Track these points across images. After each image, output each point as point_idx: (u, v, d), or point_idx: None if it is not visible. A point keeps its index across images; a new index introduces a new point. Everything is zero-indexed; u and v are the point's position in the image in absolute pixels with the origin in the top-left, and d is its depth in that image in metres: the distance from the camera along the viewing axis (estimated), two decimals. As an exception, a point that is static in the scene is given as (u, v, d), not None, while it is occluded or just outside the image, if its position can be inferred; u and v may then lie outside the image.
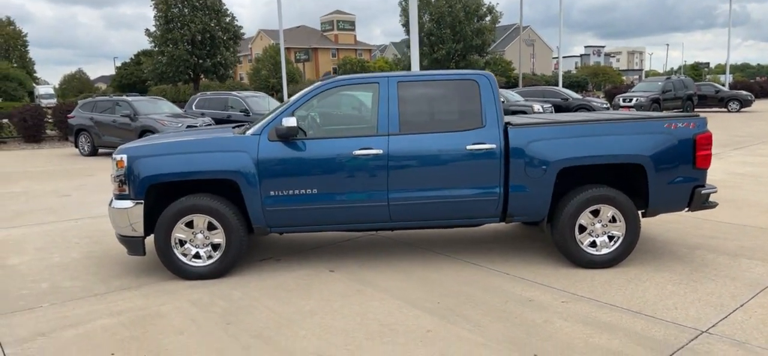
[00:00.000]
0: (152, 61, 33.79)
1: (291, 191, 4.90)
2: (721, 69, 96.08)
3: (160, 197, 5.00)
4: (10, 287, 4.87)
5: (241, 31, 35.08)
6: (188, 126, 14.78)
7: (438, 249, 5.72)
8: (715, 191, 5.16)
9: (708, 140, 5.04)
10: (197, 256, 4.98)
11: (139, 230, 4.90)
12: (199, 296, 4.55)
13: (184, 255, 4.96)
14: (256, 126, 5.10)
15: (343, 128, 5.21)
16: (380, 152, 4.88)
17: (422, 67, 34.49)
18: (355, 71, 60.48)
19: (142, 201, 4.84)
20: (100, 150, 16.26)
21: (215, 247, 4.99)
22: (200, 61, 31.87)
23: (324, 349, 3.58)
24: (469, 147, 4.91)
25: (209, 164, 4.84)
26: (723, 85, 35.26)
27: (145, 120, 14.94)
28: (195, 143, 4.99)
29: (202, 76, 33.59)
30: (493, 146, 4.91)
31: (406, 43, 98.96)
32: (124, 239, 5.00)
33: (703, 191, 5.07)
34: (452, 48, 32.88)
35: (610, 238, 5.08)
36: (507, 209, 5.04)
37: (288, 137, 4.84)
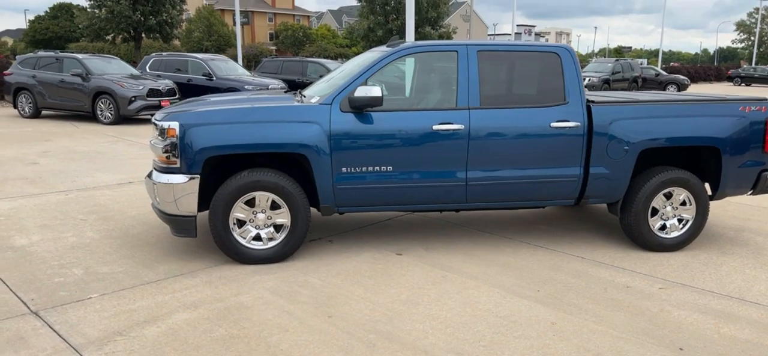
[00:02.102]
0: (87, 15, 30.92)
1: (365, 168, 4.45)
2: (637, 54, 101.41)
3: (210, 171, 4.41)
4: (37, 273, 4.14)
5: (188, -12, 32.78)
6: (150, 89, 13.65)
7: (494, 230, 5.45)
8: (779, 176, 5.19)
9: (776, 124, 5.04)
10: (257, 238, 4.44)
11: (192, 209, 4.30)
12: (274, 284, 4.05)
13: (243, 237, 4.40)
14: (322, 94, 4.58)
15: (420, 99, 4.78)
16: (461, 127, 4.51)
17: (376, 38, 33.87)
18: (298, 38, 58.79)
19: (198, 176, 4.23)
20: (44, 112, 14.72)
21: (277, 228, 4.46)
22: (143, 18, 29.47)
23: (458, 346, 3.23)
24: (553, 125, 4.64)
25: (277, 136, 4.29)
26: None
27: (100, 81, 13.60)
28: (259, 111, 4.40)
29: (143, 35, 31.16)
30: (577, 124, 4.66)
31: (345, 12, 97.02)
32: (172, 219, 4.37)
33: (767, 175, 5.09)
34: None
35: (680, 221, 5.00)
36: (584, 191, 4.83)
37: (365, 108, 4.37)
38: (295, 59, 19.63)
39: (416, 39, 36.51)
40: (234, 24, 61.30)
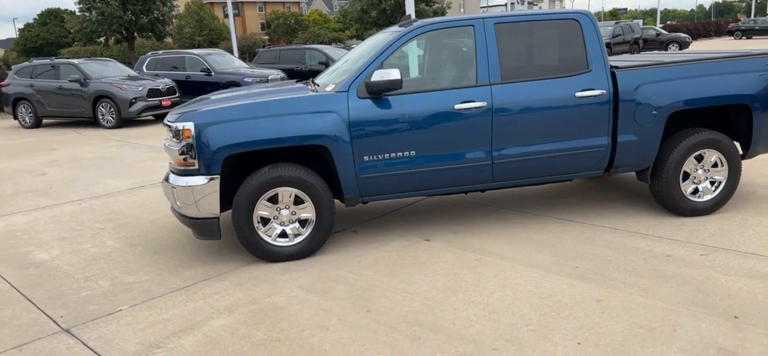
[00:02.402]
0: (78, 19, 30.45)
1: (388, 155, 4.32)
2: (632, 14, 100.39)
3: (228, 170, 4.28)
4: (62, 288, 4.03)
5: (178, -17, 32.28)
6: (149, 90, 13.47)
7: (520, 207, 5.33)
8: (810, 129, 5.04)
9: (807, 78, 4.87)
10: (283, 235, 4.32)
11: (215, 210, 4.17)
12: (306, 281, 3.93)
13: (268, 235, 4.29)
14: (336, 81, 4.43)
15: (438, 78, 4.63)
16: (484, 104, 4.36)
17: (370, 20, 33.50)
18: (290, 26, 58.27)
19: (218, 176, 4.10)
20: (45, 121, 14.57)
21: (302, 223, 4.34)
22: (135, 17, 29.03)
23: (506, 332, 3.12)
24: (578, 94, 4.49)
25: (296, 129, 4.15)
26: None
27: (99, 84, 13.42)
28: (275, 104, 4.26)
29: (136, 35, 30.75)
30: (603, 91, 4.52)
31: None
32: (194, 222, 4.26)
33: (799, 130, 4.94)
34: (401, -2, 32.01)
35: (712, 183, 4.87)
36: (613, 161, 4.70)
37: (383, 92, 4.23)
38: (292, 48, 19.40)
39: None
40: (225, 16, 60.77)
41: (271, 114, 4.16)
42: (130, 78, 14.28)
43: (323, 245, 4.42)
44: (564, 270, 3.89)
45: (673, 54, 5.93)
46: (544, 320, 3.23)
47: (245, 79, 15.03)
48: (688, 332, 3.03)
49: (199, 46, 44.91)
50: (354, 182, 4.32)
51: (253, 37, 53.37)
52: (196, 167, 4.11)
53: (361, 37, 52.37)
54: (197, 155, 4.08)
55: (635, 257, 4.06)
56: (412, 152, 4.34)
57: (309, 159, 4.41)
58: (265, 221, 4.27)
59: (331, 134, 4.17)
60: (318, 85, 4.72)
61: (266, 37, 60.90)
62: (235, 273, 4.15)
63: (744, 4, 74.36)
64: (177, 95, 14.16)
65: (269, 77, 15.31)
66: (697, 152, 4.75)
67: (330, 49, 18.28)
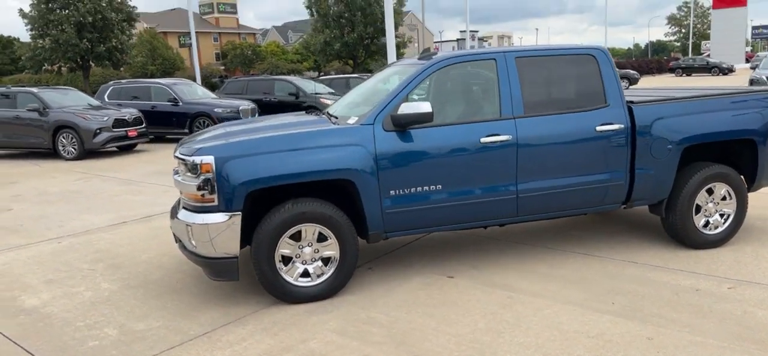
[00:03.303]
0: (30, 47, 29.05)
1: (414, 189, 4.18)
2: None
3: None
4: (65, 338, 3.65)
5: (136, 11, 31.38)
6: (115, 120, 12.90)
7: (530, 240, 5.27)
8: (808, 163, 5.22)
9: (807, 114, 5.06)
10: (305, 274, 4.08)
11: (234, 249, 3.91)
12: (337, 324, 3.70)
13: (290, 275, 4.04)
14: (358, 113, 4.29)
15: (462, 112, 4.54)
16: (509, 138, 4.30)
17: (334, 51, 33.56)
18: (247, 56, 57.71)
19: (240, 213, 3.85)
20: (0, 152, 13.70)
21: (325, 261, 4.12)
22: (91, 45, 27.91)
23: (567, 375, 2.99)
24: (598, 129, 4.50)
25: (322, 163, 3.96)
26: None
27: (61, 114, 12.74)
28: (298, 137, 4.06)
29: (92, 63, 29.54)
30: (621, 126, 4.54)
31: (290, 27, 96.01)
32: (210, 262, 3.97)
33: (798, 164, 5.11)
34: (363, 31, 32.23)
35: (721, 216, 4.96)
36: (631, 194, 4.71)
37: (411, 125, 4.11)
38: (260, 78, 19.13)
39: (374, 51, 36.54)
40: (181, 46, 59.67)
41: (295, 147, 3.96)
42: (93, 107, 13.64)
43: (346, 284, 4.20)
44: (601, 307, 3.82)
45: (682, 89, 6.08)
46: (602, 361, 3.13)
47: (215, 110, 14.66)
48: (750, 370, 2.98)
49: (152, 76, 43.72)
50: (379, 218, 4.14)
51: (209, 68, 52.52)
52: (215, 203, 3.85)
53: (319, 70, 52.44)
54: (217, 190, 3.82)
55: (666, 292, 4.03)
56: (439, 186, 4.22)
57: (329, 194, 4.21)
58: (286, 260, 4.03)
59: (357, 168, 4.00)
60: (336, 118, 4.56)
61: (222, 68, 60.07)
62: (255, 317, 3.87)
63: (679, 44, 79.01)
64: (144, 125, 13.61)
65: (240, 108, 14.99)
66: (708, 185, 4.83)
67: (300, 81, 18.09)
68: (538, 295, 4.05)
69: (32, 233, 6.34)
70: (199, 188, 3.85)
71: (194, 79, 22.19)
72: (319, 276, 4.10)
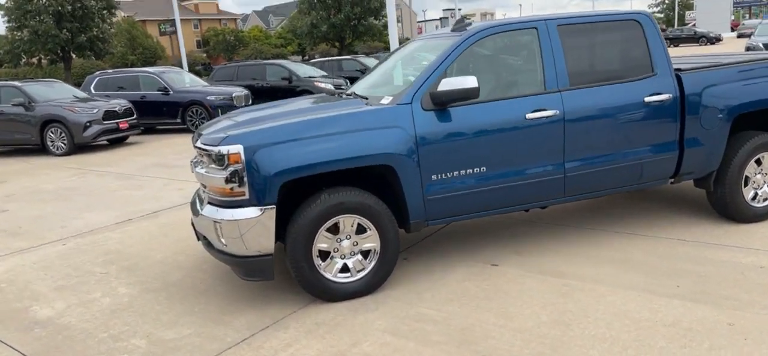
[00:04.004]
0: (8, 40, 27.94)
1: (457, 173, 3.87)
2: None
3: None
4: (89, 353, 3.31)
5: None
6: (105, 112, 12.38)
7: (569, 221, 5.00)
8: None
9: None
10: (344, 269, 3.77)
11: (269, 246, 3.58)
12: (386, 323, 3.41)
13: (328, 271, 3.73)
14: (392, 92, 3.95)
15: (504, 86, 4.22)
16: (556, 112, 4.00)
17: (321, 33, 32.94)
18: (229, 42, 56.70)
19: (274, 206, 3.51)
20: (-17, 150, 13.10)
21: (364, 254, 3.81)
22: (71, 36, 26.93)
23: (656, 371, 2.73)
24: (646, 99, 4.21)
25: (361, 147, 3.63)
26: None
27: (48, 108, 12.17)
28: (332, 120, 3.72)
29: (73, 54, 28.56)
30: (670, 95, 4.26)
31: (271, 11, 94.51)
32: (242, 261, 3.63)
33: None
34: (350, 12, 31.60)
35: (769, 187, 4.72)
36: (680, 167, 4.45)
37: (453, 102, 3.78)
38: (251, 63, 18.62)
39: (361, 31, 35.92)
40: (161, 34, 58.39)
41: (331, 132, 3.62)
42: (80, 100, 13.09)
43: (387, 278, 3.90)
44: (667, 291, 3.56)
45: (727, 55, 5.81)
46: (689, 352, 2.87)
47: (208, 98, 14.18)
48: None
49: (132, 65, 42.69)
50: (421, 205, 3.83)
51: (191, 55, 51.45)
52: (246, 196, 3.50)
53: (303, 53, 51.64)
54: (248, 182, 3.48)
55: (730, 271, 3.78)
56: (483, 168, 3.91)
57: (364, 182, 3.88)
58: (323, 255, 3.71)
59: (398, 152, 3.68)
60: (365, 98, 4.21)
61: (204, 55, 59.01)
62: (295, 318, 3.56)
63: (663, 15, 79.08)
64: (135, 116, 13.11)
65: (233, 95, 14.48)
66: (758, 156, 4.59)
67: (292, 64, 17.62)
68: (596, 281, 3.78)
69: (33, 235, 5.94)
70: (227, 181, 3.50)
71: (180, 68, 21.58)
72: (359, 271, 3.79)
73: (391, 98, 3.90)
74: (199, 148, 3.78)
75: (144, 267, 4.71)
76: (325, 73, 17.33)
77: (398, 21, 38.31)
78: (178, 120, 14.42)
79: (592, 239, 4.54)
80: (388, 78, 4.81)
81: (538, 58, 4.11)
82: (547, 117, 3.99)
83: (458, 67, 3.99)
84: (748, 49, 18.03)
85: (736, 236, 4.40)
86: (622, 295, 3.54)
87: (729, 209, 4.64)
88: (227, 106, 14.23)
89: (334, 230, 3.70)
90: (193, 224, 4.17)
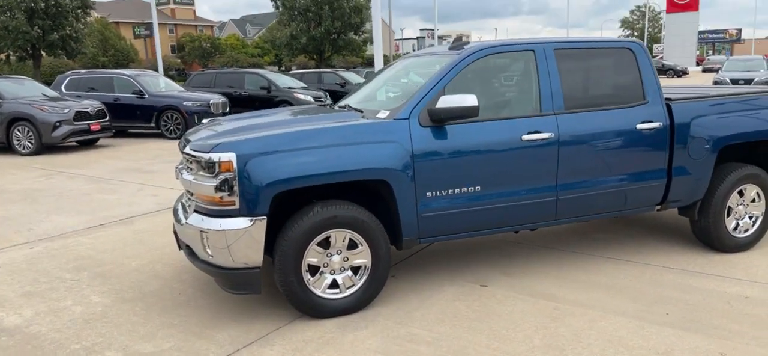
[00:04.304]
0: None
1: (452, 191, 3.82)
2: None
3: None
4: (61, 366, 3.11)
5: (92, -1, 29.61)
6: (77, 112, 12.00)
7: (555, 244, 4.99)
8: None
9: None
10: (333, 285, 3.66)
11: (257, 259, 3.45)
12: (377, 342, 3.30)
13: (317, 287, 3.61)
14: (389, 107, 3.89)
15: (500, 106, 4.20)
16: (551, 135, 4.00)
17: (300, 45, 32.81)
18: (205, 49, 56.09)
19: (265, 217, 3.39)
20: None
21: (355, 270, 3.71)
22: (43, 33, 26.10)
23: (654, 400, 2.69)
24: (638, 127, 4.25)
25: (357, 161, 3.55)
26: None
27: (16, 106, 11.75)
28: (328, 132, 3.63)
29: (43, 52, 27.67)
30: (660, 124, 4.31)
31: (248, 20, 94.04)
32: (228, 273, 3.49)
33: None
34: (330, 26, 31.51)
35: (750, 218, 4.80)
36: (667, 195, 4.49)
37: (451, 120, 3.74)
38: (229, 71, 18.35)
39: (340, 46, 35.89)
40: (135, 36, 57.43)
41: (327, 144, 3.53)
42: (50, 99, 12.67)
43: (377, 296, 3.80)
44: (657, 319, 3.56)
45: (714, 88, 5.93)
46: (685, 381, 2.85)
47: (184, 104, 13.91)
48: None
49: (104, 67, 41.76)
50: (414, 223, 3.76)
51: (166, 60, 50.66)
52: (236, 206, 3.38)
53: (280, 64, 51.35)
54: (239, 192, 3.36)
55: (716, 301, 3.81)
56: (477, 188, 3.87)
57: (356, 197, 3.80)
58: (312, 269, 3.60)
59: (394, 168, 3.61)
60: (359, 112, 4.14)
61: (179, 60, 58.19)
62: (280, 334, 3.43)
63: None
64: (107, 119, 12.75)
65: (211, 102, 14.28)
66: (740, 187, 4.67)
67: (271, 74, 17.45)
68: (586, 306, 3.76)
69: (-2, 237, 5.66)
70: (217, 189, 3.37)
71: (155, 71, 21.13)
72: (348, 287, 3.68)
73: (388, 112, 3.84)
74: (188, 154, 3.64)
75: (118, 274, 4.51)
76: (304, 85, 17.20)
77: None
78: (152, 125, 14.10)
79: (579, 264, 4.54)
80: (382, 92, 4.75)
81: (534, 80, 4.11)
82: (542, 139, 3.98)
83: (455, 86, 3.95)
84: (715, 83, 18.67)
85: (719, 266, 4.45)
86: (613, 321, 3.52)
87: (712, 238, 4.70)
88: (204, 113, 14.00)
89: (325, 244, 3.59)
90: (175, 232, 4.01)
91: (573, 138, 4.07)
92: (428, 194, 3.76)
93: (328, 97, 16.80)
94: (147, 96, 14.17)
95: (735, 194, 4.67)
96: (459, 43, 4.29)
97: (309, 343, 3.31)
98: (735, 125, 4.53)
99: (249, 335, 3.43)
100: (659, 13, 75.07)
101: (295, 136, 3.55)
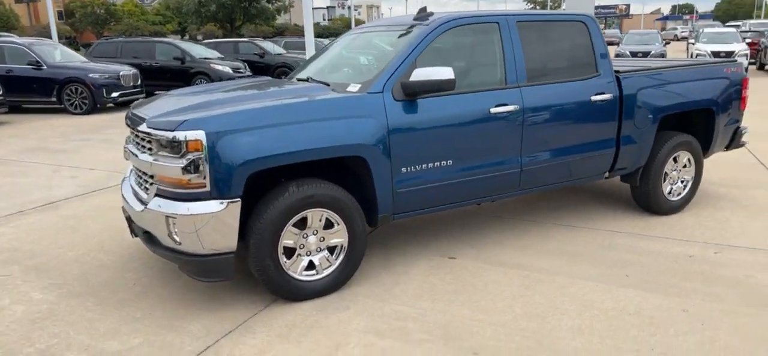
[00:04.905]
0: None
1: (425, 166, 3.79)
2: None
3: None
4: (17, 375, 2.77)
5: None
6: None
7: (509, 214, 5.13)
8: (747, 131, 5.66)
9: (747, 83, 5.44)
10: (309, 266, 3.53)
11: (231, 244, 3.24)
12: (364, 322, 3.23)
13: (294, 270, 3.46)
14: (359, 80, 3.76)
15: (468, 79, 4.17)
16: (516, 108, 4.06)
17: (210, 13, 31.17)
18: (99, 15, 51.82)
19: (239, 199, 3.18)
20: None
21: (331, 250, 3.60)
22: None
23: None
24: (593, 98, 4.43)
25: (336, 137, 3.41)
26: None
27: None
28: (303, 107, 3.44)
29: None
30: (612, 95, 4.51)
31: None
32: (198, 261, 3.25)
33: (741, 130, 5.52)
34: (242, -9, 30.07)
35: (682, 183, 5.19)
36: (615, 163, 4.74)
37: (425, 94, 3.68)
38: (137, 40, 17.06)
39: (252, 13, 34.43)
40: (16, 0, 51.82)
41: (301, 119, 3.36)
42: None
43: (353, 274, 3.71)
44: (619, 281, 3.76)
45: (652, 61, 6.25)
46: (660, 340, 3.03)
47: (90, 76, 12.80)
48: (794, 335, 3.07)
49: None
50: (390, 199, 3.70)
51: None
52: (207, 188, 3.14)
53: (184, 33, 48.52)
54: (210, 172, 3.11)
55: (666, 261, 4.08)
56: (449, 161, 3.86)
57: (329, 174, 3.66)
58: (288, 252, 3.44)
59: (372, 143, 3.51)
60: (326, 84, 3.97)
61: (69, 27, 53.34)
62: (259, 320, 3.26)
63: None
64: (1, 92, 11.46)
65: (121, 74, 13.25)
66: (675, 154, 5.02)
67: (185, 44, 16.45)
68: (553, 272, 3.90)
69: None
70: (184, 171, 3.11)
71: (49, 39, 19.18)
72: (325, 268, 3.57)
73: (359, 85, 3.71)
74: (144, 132, 3.32)
75: (56, 267, 4.08)
76: (221, 55, 16.39)
77: (292, 6, 37.45)
78: (54, 99, 12.86)
79: (536, 232, 4.69)
80: (343, 64, 4.59)
81: (499, 52, 4.13)
82: (508, 112, 4.03)
83: (424, 58, 3.88)
84: (617, 55, 19.92)
85: (658, 228, 4.77)
86: (582, 286, 3.68)
87: (651, 202, 5.03)
88: (114, 85, 13.00)
89: (301, 225, 3.44)
90: (128, 218, 3.67)
91: (535, 110, 4.16)
92: (403, 169, 3.70)
93: (247, 68, 16.14)
94: (45, 67, 12.87)
95: (671, 160, 5.02)
96: (424, 14, 4.21)
97: (293, 328, 3.18)
98: (673, 96, 4.84)
99: (224, 324, 3.24)
100: (559, -10, 78.68)
101: (268, 111, 3.34)
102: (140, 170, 3.56)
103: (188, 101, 3.69)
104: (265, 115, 3.30)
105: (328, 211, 3.48)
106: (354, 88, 3.71)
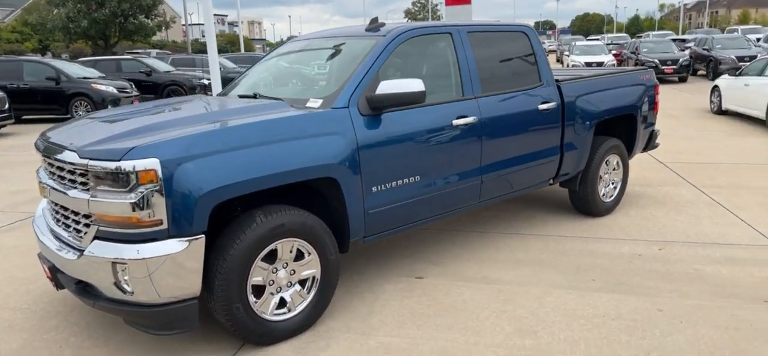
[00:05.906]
0: None
1: (395, 183, 3.57)
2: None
3: None
4: None
5: None
6: None
7: (461, 227, 5.05)
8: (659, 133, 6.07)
9: (658, 88, 5.85)
10: (281, 303, 3.15)
11: (194, 289, 2.78)
12: (353, 361, 2.92)
13: (263, 310, 3.06)
14: (319, 95, 3.47)
15: (428, 92, 3.99)
16: (475, 119, 3.98)
17: (79, 29, 28.50)
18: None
19: (203, 236, 2.75)
20: None
21: (302, 283, 3.24)
22: None
23: (642, 366, 2.83)
24: (540, 107, 4.48)
25: (305, 159, 3.08)
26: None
27: None
28: (263, 126, 3.06)
29: None
30: (556, 104, 4.60)
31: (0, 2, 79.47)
32: (158, 311, 2.75)
33: (655, 133, 5.91)
34: (117, 8, 27.48)
35: (612, 185, 5.44)
36: (560, 170, 4.83)
37: (389, 107, 3.47)
38: (2, 59, 15.06)
39: (130, 29, 31.86)
40: None
41: (265, 140, 2.99)
42: None
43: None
44: (589, 286, 3.79)
45: (581, 69, 6.46)
46: (653, 343, 3.05)
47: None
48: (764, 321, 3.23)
49: None
50: (361, 221, 3.42)
51: None
52: (164, 226, 2.67)
53: (45, 51, 44.03)
54: (167, 207, 2.65)
55: (619, 262, 4.19)
56: (417, 177, 3.67)
57: (295, 199, 3.32)
58: (257, 290, 3.04)
59: (343, 163, 3.22)
60: (279, 100, 3.61)
61: None
62: (232, 373, 2.84)
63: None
64: None
65: (-16, 97, 11.57)
66: (607, 157, 5.24)
67: (60, 63, 14.78)
68: (523, 283, 3.84)
69: None
70: (136, 207, 2.62)
71: None
72: (298, 304, 3.20)
73: (321, 100, 3.40)
74: (75, 164, 2.77)
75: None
76: (102, 74, 14.96)
77: (173, 22, 35.34)
78: None
79: (489, 243, 4.64)
80: (288, 78, 4.25)
81: (453, 64, 4.03)
82: (468, 124, 3.93)
83: (384, 71, 3.66)
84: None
85: (600, 230, 4.93)
86: (558, 295, 3.65)
87: (589, 205, 5.20)
88: (-25, 111, 11.35)
89: (269, 259, 3.06)
90: (52, 269, 3.05)
91: (491, 121, 4.10)
92: (374, 188, 3.45)
93: (133, 88, 14.88)
94: None
95: (603, 163, 5.23)
96: (376, 24, 4.00)
97: (273, 377, 2.79)
98: (606, 103, 5.05)
99: (192, 381, 2.77)
100: (437, 6, 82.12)
101: (231, 132, 2.94)
102: (66, 209, 2.98)
103: (122, 126, 3.16)
104: (228, 136, 2.90)
105: (300, 240, 3.13)
106: (315, 103, 3.40)
